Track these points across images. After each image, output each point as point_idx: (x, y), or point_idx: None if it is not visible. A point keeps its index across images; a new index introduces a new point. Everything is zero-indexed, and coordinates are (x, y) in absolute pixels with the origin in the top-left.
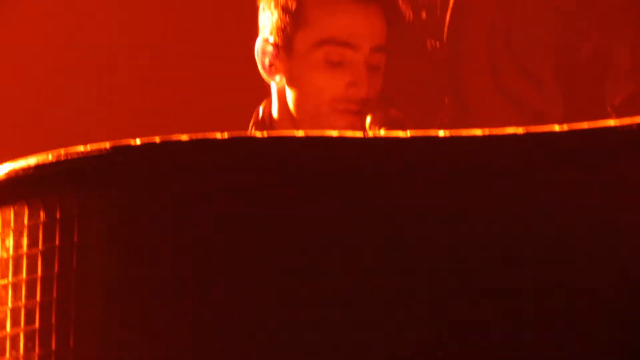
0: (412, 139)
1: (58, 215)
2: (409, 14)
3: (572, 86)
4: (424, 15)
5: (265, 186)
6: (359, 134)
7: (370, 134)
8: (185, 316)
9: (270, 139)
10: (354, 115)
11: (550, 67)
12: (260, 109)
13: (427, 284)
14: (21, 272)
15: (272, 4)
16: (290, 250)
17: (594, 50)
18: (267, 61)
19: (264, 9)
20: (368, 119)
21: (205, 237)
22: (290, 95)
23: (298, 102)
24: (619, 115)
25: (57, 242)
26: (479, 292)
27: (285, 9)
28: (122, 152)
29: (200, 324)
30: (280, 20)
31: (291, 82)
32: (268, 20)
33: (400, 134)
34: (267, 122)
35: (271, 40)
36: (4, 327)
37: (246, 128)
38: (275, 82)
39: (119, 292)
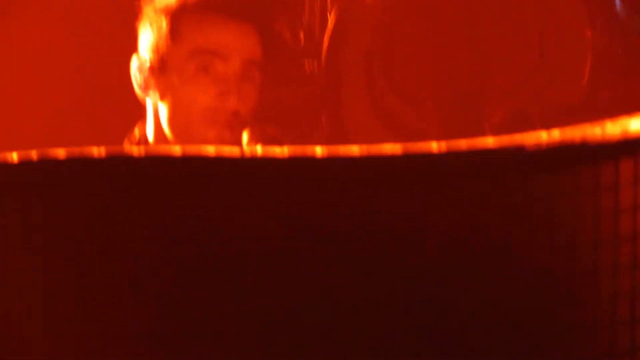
0: (290, 158)
1: None
2: (285, 34)
3: (451, 107)
4: (302, 36)
5: (140, 205)
6: (235, 150)
7: (247, 150)
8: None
9: (148, 156)
10: (224, 126)
11: (428, 88)
12: (136, 130)
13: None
14: None
15: (148, 23)
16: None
17: (473, 70)
18: (141, 79)
19: (141, 29)
20: (245, 136)
21: (81, 254)
22: (163, 111)
23: (171, 115)
24: (496, 134)
25: None
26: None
27: (160, 29)
28: None
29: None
30: (154, 37)
31: (164, 97)
32: (144, 38)
33: (277, 151)
34: (142, 143)
35: (146, 57)
36: None
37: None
38: (150, 99)
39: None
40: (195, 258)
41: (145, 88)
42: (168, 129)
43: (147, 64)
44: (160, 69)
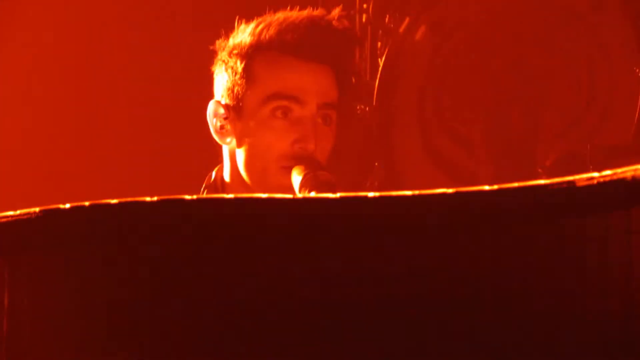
0: (342, 199)
1: None
2: (355, 77)
3: (503, 148)
4: (353, 80)
5: (195, 248)
6: (287, 195)
7: (300, 196)
8: None
9: (198, 200)
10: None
11: (480, 129)
12: (213, 173)
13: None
14: None
15: (224, 67)
16: (223, 310)
17: (524, 112)
18: (218, 123)
19: (216, 74)
20: (298, 182)
21: (137, 300)
22: (240, 156)
23: (247, 161)
24: (549, 176)
25: None
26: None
27: (234, 71)
28: (51, 216)
29: None
30: (230, 81)
31: (241, 143)
32: (220, 83)
33: (329, 195)
34: (218, 185)
35: (222, 102)
36: None
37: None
38: (227, 144)
39: (50, 356)
40: (254, 299)
41: (222, 132)
42: (245, 174)
43: (223, 109)
44: (236, 113)
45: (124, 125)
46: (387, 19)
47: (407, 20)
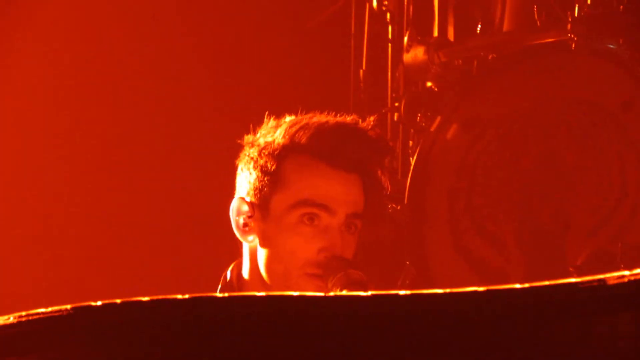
0: (373, 297)
1: None
2: (387, 185)
3: (534, 247)
4: (381, 189)
5: (228, 345)
6: (319, 294)
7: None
8: None
9: (231, 298)
10: (323, 280)
11: (511, 228)
12: (228, 272)
13: None
14: None
15: (252, 164)
16: None
17: (555, 211)
18: (241, 221)
19: (242, 170)
20: (329, 281)
21: None
22: (261, 256)
23: (269, 263)
24: (580, 275)
25: None
26: None
27: (264, 170)
28: (83, 313)
29: None
30: (259, 180)
31: (264, 243)
32: (245, 180)
33: (361, 293)
34: (234, 284)
35: (247, 199)
36: None
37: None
38: (248, 242)
39: None
40: None
41: (245, 231)
42: (266, 275)
43: (248, 207)
44: (262, 213)
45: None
46: (418, 118)
47: (438, 118)
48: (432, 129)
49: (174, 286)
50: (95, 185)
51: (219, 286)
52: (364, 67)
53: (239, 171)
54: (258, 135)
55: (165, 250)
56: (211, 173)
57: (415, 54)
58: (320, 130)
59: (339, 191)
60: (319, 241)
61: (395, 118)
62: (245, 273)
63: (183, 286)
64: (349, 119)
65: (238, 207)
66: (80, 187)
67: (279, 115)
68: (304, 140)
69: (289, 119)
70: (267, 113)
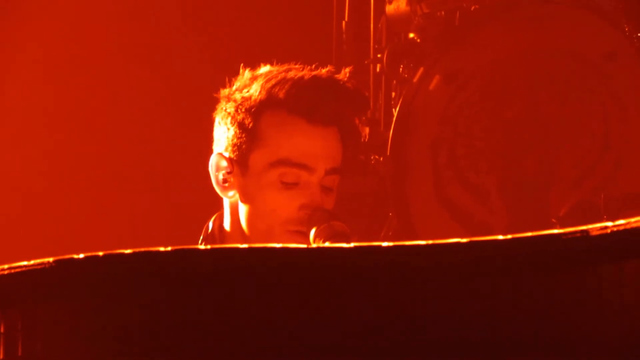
0: (356, 249)
1: (2, 330)
2: (364, 134)
3: (517, 198)
4: (367, 131)
5: (210, 298)
6: (302, 245)
7: (314, 246)
8: None
9: (213, 250)
10: (304, 236)
11: (494, 179)
12: (210, 223)
13: None
14: None
15: (229, 119)
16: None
17: (539, 162)
18: (220, 176)
19: (219, 124)
20: (312, 232)
21: (151, 350)
22: (243, 212)
23: (250, 219)
24: (563, 226)
25: (1, 356)
26: None
27: (241, 127)
28: (65, 267)
29: None
30: (237, 137)
31: (245, 199)
32: (224, 135)
33: (344, 245)
34: (217, 236)
35: (226, 155)
36: None
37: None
38: (229, 198)
39: None
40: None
41: (225, 187)
42: (247, 230)
43: (227, 163)
44: (241, 169)
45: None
46: (401, 69)
47: (421, 70)
48: (414, 80)
49: (157, 238)
50: (81, 136)
51: (201, 237)
52: (346, 18)
53: (216, 124)
54: (234, 88)
55: (148, 201)
56: (193, 124)
57: (397, 5)
58: (298, 85)
59: (317, 147)
60: (299, 198)
61: (378, 69)
62: (227, 225)
63: (167, 238)
64: (324, 71)
65: (217, 163)
66: (65, 136)
67: (258, 66)
68: (281, 95)
69: (264, 70)
70: (242, 64)
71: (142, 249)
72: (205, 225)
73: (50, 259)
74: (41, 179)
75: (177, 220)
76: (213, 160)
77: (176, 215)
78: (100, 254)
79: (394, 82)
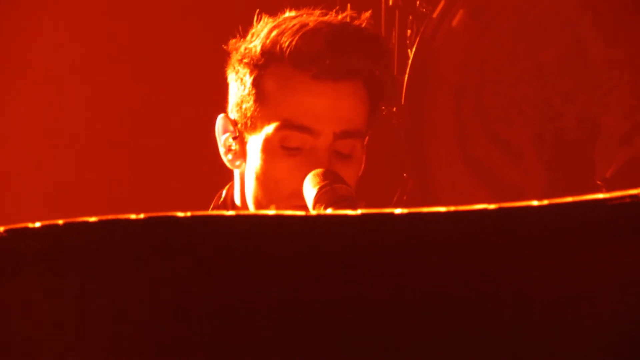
0: (363, 216)
1: None
2: (390, 91)
3: (556, 157)
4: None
5: (188, 271)
6: (299, 212)
7: (314, 212)
8: None
9: (192, 218)
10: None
11: (529, 134)
12: (224, 192)
13: None
14: None
15: (234, 75)
16: (226, 338)
17: (581, 114)
18: (226, 141)
19: (229, 80)
20: (312, 196)
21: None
22: (249, 185)
23: (255, 194)
24: (610, 189)
25: None
26: None
27: (243, 83)
28: (18, 237)
29: None
30: (239, 96)
31: (250, 169)
32: (232, 92)
33: (348, 212)
34: (229, 206)
35: (232, 117)
36: None
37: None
38: (237, 168)
39: None
40: (258, 325)
41: (231, 156)
42: (253, 207)
43: (232, 125)
44: (246, 131)
45: (129, 130)
46: (418, 3)
47: (442, 3)
48: (434, 16)
49: (170, 203)
50: (81, 134)
51: (211, 205)
52: None
53: (229, 83)
54: (243, 40)
55: (149, 202)
56: (194, 124)
57: None
58: (302, 35)
59: (324, 106)
60: (303, 168)
61: (391, 2)
62: (237, 198)
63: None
64: (339, 17)
65: (223, 126)
66: (74, 105)
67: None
68: (284, 47)
69: (278, 20)
70: (257, 11)
71: (110, 216)
72: (218, 194)
73: (2, 228)
74: (42, 179)
75: (192, 188)
76: (219, 123)
77: (192, 182)
78: (60, 222)
79: (410, 17)
